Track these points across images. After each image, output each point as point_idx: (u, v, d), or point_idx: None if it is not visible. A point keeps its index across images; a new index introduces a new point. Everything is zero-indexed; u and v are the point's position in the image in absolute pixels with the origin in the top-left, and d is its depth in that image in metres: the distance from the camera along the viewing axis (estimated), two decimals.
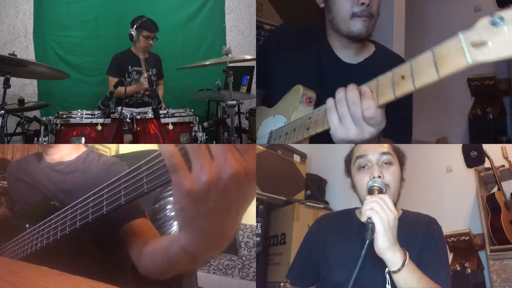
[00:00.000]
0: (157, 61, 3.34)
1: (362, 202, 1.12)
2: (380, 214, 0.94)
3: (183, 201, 0.64)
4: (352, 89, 0.94)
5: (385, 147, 1.16)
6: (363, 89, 0.93)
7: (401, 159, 1.20)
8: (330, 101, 0.99)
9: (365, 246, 0.94)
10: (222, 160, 0.61)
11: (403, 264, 0.95)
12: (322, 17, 1.43)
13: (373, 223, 0.94)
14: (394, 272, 0.96)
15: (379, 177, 1.10)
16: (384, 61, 1.41)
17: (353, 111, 0.93)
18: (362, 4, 1.25)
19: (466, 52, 0.71)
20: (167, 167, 0.66)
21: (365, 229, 0.95)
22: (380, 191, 1.06)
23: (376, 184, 1.07)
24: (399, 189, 1.15)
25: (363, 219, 0.97)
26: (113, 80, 3.07)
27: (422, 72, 0.80)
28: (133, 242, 1.07)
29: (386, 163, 1.14)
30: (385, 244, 0.94)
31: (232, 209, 0.66)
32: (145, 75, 3.00)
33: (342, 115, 0.95)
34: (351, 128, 0.95)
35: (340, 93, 0.96)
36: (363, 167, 1.15)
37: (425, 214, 1.22)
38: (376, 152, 1.15)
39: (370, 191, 1.07)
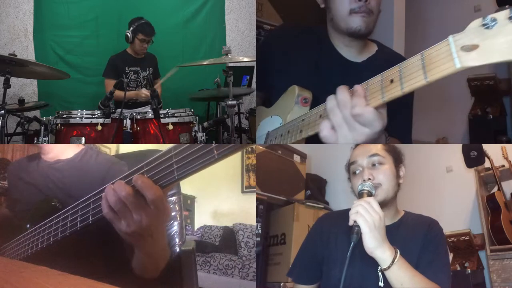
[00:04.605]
0: (153, 60, 3.34)
1: None
2: (364, 216, 0.99)
3: (127, 238, 0.86)
4: (341, 91, 0.91)
5: (373, 149, 1.18)
6: (355, 89, 0.89)
7: (396, 157, 1.21)
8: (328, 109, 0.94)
9: (350, 249, 0.99)
10: (155, 209, 0.81)
11: (392, 261, 0.99)
12: (324, 17, 1.44)
13: (358, 226, 0.99)
14: (385, 269, 1.00)
15: (369, 179, 1.13)
16: (385, 60, 1.41)
17: (344, 113, 0.89)
18: (360, 0, 1.25)
19: (455, 57, 0.67)
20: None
21: (351, 233, 1.00)
22: (369, 194, 1.09)
23: (365, 188, 1.10)
24: (395, 187, 1.17)
25: (350, 223, 1.01)
26: (109, 82, 3.08)
27: (410, 76, 0.76)
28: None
29: (375, 164, 1.17)
30: (373, 244, 0.98)
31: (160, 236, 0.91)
32: (145, 91, 3.02)
33: (337, 124, 0.91)
34: (347, 135, 0.91)
35: (331, 100, 0.92)
36: (355, 172, 1.19)
37: (427, 216, 1.23)
38: (364, 156, 1.18)
39: (360, 195, 1.10)
